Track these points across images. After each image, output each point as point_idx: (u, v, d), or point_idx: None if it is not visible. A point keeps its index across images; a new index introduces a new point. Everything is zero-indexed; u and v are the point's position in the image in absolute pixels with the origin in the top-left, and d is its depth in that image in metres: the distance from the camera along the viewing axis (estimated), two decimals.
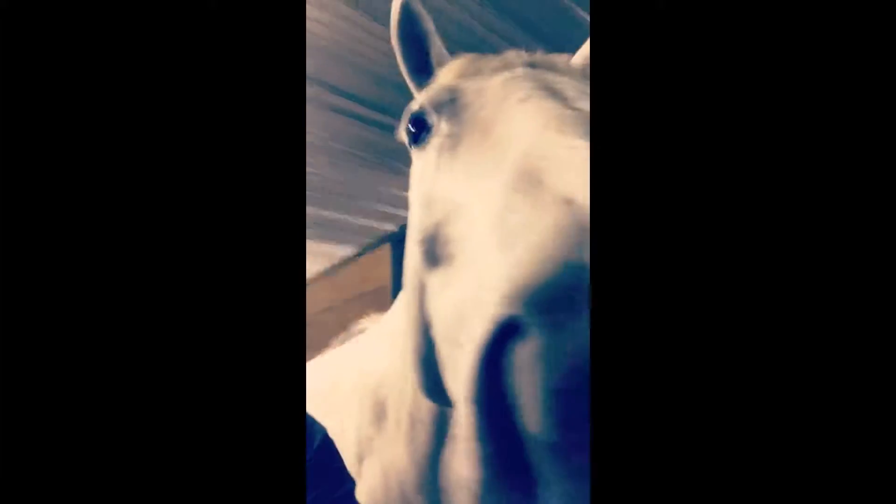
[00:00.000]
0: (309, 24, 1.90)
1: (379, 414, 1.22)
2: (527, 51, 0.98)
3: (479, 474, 0.45)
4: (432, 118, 0.88)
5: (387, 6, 1.11)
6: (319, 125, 2.55)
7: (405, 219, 1.07)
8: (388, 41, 1.12)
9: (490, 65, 0.91)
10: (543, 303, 0.42)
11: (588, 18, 2.07)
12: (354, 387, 1.35)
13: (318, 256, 4.18)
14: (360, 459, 1.22)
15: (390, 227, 3.83)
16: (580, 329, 0.40)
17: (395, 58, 1.12)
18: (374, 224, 3.78)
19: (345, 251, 4.23)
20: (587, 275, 0.41)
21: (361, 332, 1.81)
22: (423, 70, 1.09)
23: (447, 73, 0.97)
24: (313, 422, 0.99)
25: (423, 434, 1.07)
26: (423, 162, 0.90)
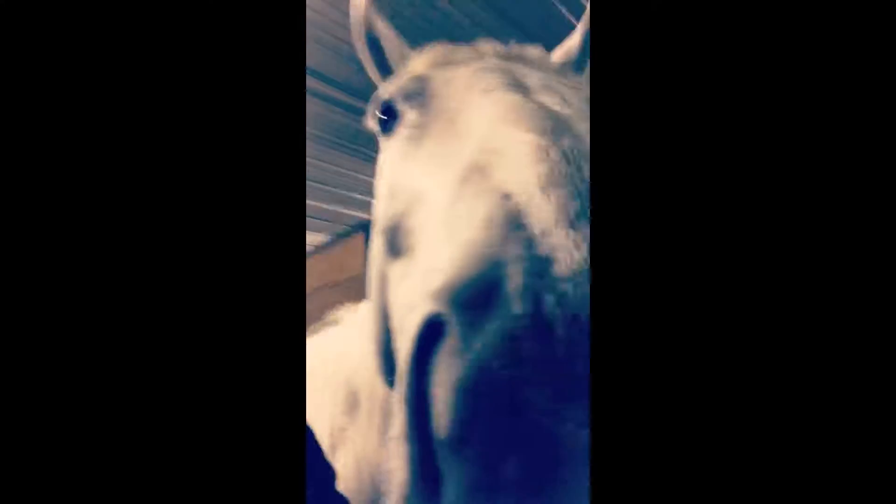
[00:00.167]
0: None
1: (352, 404, 1.22)
2: (501, 42, 0.97)
3: (407, 475, 0.45)
4: (401, 107, 0.87)
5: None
6: None
7: None
8: None
9: (462, 55, 0.91)
10: (463, 300, 0.41)
11: (569, 15, 2.07)
12: (327, 377, 1.35)
13: None
14: (334, 449, 1.22)
15: (364, 216, 3.80)
16: (492, 328, 0.39)
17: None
18: (348, 211, 3.74)
19: (317, 239, 4.18)
20: (512, 278, 0.40)
21: (335, 322, 1.80)
22: (383, 68, 1.12)
23: (418, 62, 0.96)
24: None
25: None
26: (390, 151, 0.89)
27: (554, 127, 0.56)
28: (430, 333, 0.44)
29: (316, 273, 4.15)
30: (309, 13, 1.94)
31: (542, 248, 0.42)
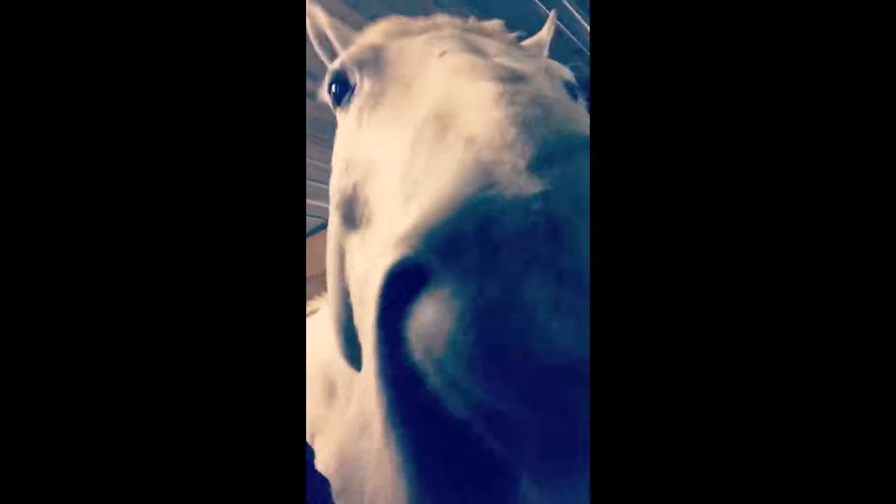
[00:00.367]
0: None
1: (329, 392, 1.21)
2: (459, 17, 0.96)
3: (397, 469, 0.40)
4: (355, 77, 0.85)
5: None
6: None
7: None
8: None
9: (417, 25, 0.89)
10: (444, 245, 0.37)
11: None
12: (306, 366, 1.33)
13: None
14: (313, 436, 1.21)
15: None
16: (493, 286, 0.35)
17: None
18: (319, 203, 3.70)
19: None
20: (496, 216, 0.37)
21: (313, 312, 1.78)
22: (329, 54, 1.14)
23: (373, 33, 0.94)
24: None
25: None
26: (345, 123, 0.87)
27: (514, 78, 0.54)
28: (402, 284, 0.40)
29: None
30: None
31: (514, 189, 0.39)
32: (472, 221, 0.38)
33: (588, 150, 0.42)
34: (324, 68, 0.99)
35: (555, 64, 0.93)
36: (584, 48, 2.84)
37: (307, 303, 1.94)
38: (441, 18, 0.93)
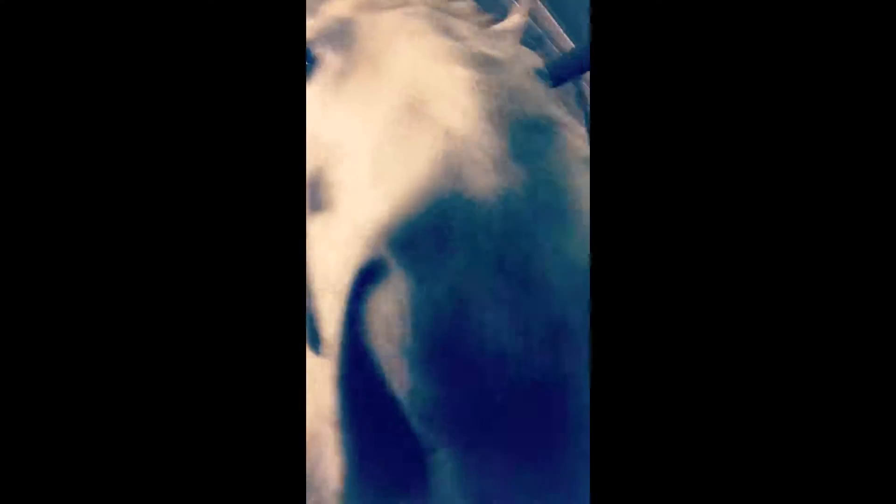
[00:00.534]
0: None
1: None
2: None
3: (344, 469, 0.43)
4: (318, 49, 0.80)
5: None
6: None
7: None
8: None
9: (387, 0, 0.85)
10: (405, 240, 0.39)
11: None
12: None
13: None
14: None
15: None
16: (448, 271, 0.37)
17: None
18: None
19: None
20: (454, 213, 0.38)
21: None
22: None
23: (340, 4, 0.89)
24: None
25: None
26: (309, 103, 0.82)
27: (488, 64, 0.54)
28: (367, 278, 0.41)
29: None
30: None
31: (493, 182, 0.40)
32: (432, 218, 0.40)
33: (560, 144, 0.44)
34: None
35: (525, 50, 0.92)
36: (544, 36, 2.85)
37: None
38: None
